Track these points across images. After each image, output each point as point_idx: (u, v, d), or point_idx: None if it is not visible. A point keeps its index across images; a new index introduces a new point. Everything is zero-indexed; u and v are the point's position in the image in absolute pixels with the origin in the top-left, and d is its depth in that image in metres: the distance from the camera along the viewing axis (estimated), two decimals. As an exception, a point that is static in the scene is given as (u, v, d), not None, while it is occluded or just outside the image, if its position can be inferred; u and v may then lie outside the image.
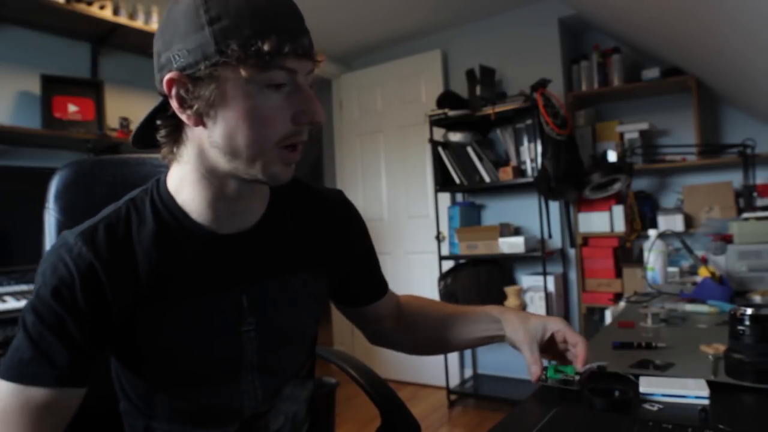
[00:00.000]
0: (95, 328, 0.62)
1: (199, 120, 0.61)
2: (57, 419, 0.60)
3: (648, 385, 0.69)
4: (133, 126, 2.65)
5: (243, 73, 0.57)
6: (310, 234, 0.78)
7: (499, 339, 0.86)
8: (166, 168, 0.71)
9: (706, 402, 0.64)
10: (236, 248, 0.70)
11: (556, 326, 0.81)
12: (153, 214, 0.68)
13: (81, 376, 0.61)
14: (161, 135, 0.65)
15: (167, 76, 0.59)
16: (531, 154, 2.87)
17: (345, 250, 0.83)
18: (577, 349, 0.76)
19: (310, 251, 0.78)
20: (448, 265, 3.07)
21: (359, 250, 0.86)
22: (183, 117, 0.61)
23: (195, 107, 0.59)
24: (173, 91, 0.59)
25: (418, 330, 0.93)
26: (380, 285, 0.90)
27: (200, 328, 0.67)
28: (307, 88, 0.63)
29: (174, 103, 0.60)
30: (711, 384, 0.70)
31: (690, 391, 0.66)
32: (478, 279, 3.00)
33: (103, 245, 0.63)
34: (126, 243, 0.65)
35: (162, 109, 0.63)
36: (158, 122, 0.64)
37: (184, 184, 0.67)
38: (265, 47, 0.56)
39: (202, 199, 0.67)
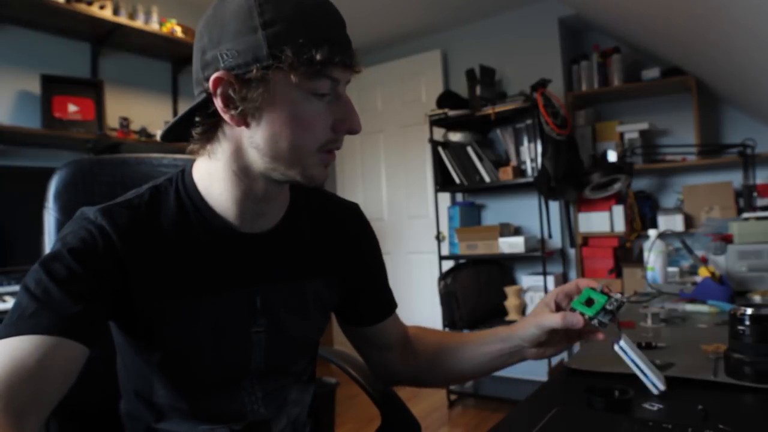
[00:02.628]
0: (108, 294, 0.60)
1: (242, 120, 0.61)
2: (54, 376, 0.52)
3: (627, 344, 0.68)
4: (135, 125, 2.67)
5: (293, 78, 0.58)
6: (324, 243, 0.78)
7: (517, 356, 0.81)
8: (167, 167, 0.71)
9: (656, 392, 0.67)
10: (254, 248, 0.71)
11: (551, 294, 0.77)
12: (176, 204, 0.68)
13: (86, 331, 0.56)
14: (198, 131, 0.64)
15: (215, 75, 0.59)
16: (531, 154, 2.87)
17: (355, 263, 0.82)
18: (582, 282, 0.74)
19: (323, 260, 0.78)
20: (448, 265, 3.07)
21: (369, 265, 0.85)
22: (226, 116, 0.61)
23: (240, 108, 0.59)
24: (219, 90, 0.59)
25: (427, 356, 0.87)
26: (388, 304, 0.88)
27: (213, 325, 0.67)
28: (348, 98, 0.64)
29: (218, 102, 0.60)
30: (711, 384, 0.70)
31: (651, 375, 0.67)
32: (478, 279, 2.99)
33: (122, 222, 0.63)
34: (146, 226, 0.65)
35: (202, 106, 0.62)
36: (197, 119, 0.63)
37: (213, 179, 0.67)
38: (318, 56, 0.57)
39: (230, 195, 0.67)
